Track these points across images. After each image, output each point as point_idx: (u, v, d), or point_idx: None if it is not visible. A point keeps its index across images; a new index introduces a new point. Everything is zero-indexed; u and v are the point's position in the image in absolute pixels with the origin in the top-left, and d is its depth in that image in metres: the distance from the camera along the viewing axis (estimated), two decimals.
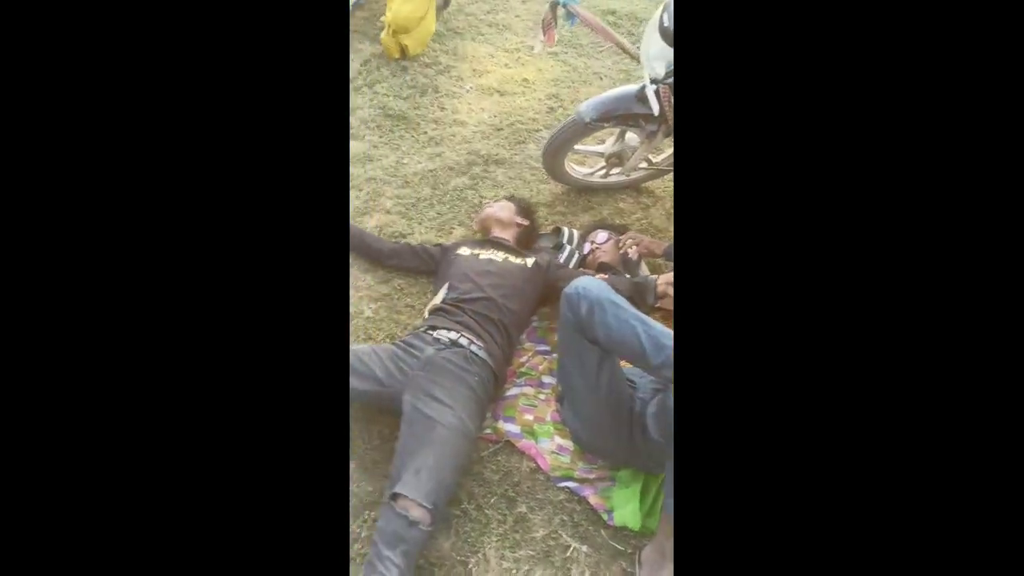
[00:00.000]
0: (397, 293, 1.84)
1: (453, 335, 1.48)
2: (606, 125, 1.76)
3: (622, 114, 1.72)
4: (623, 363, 1.41)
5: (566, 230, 1.95)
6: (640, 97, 1.67)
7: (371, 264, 1.90)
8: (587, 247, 1.86)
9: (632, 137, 1.91)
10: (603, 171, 2.09)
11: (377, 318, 1.76)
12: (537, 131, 2.49)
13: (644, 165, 2.05)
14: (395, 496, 1.15)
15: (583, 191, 2.22)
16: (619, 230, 1.92)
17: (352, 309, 1.77)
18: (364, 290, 1.83)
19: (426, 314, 1.66)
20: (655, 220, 2.14)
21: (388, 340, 1.69)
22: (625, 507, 1.37)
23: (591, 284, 1.25)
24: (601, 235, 1.86)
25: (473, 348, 1.46)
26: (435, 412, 1.30)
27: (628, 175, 2.08)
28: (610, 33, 1.79)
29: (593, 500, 1.40)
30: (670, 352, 1.15)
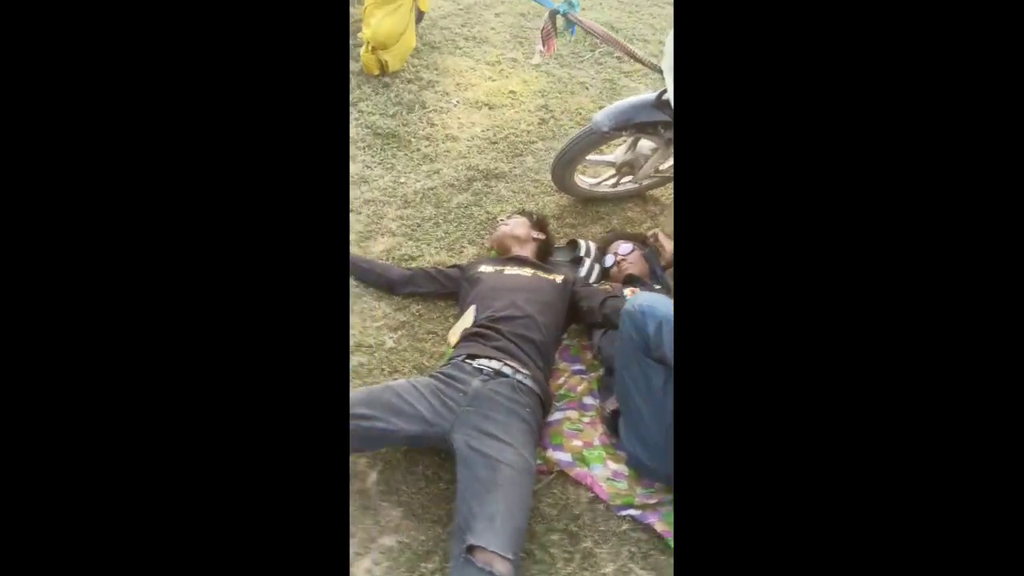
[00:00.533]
0: (416, 320, 1.73)
1: (496, 364, 1.38)
2: (623, 134, 1.72)
3: (640, 122, 1.68)
4: None
5: (583, 243, 1.89)
6: (659, 104, 1.64)
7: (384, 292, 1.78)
8: (610, 259, 1.81)
9: (645, 144, 1.87)
10: (613, 180, 2.05)
11: (400, 348, 1.65)
12: (532, 143, 2.43)
13: (652, 172, 2.02)
14: (471, 549, 1.05)
15: (589, 201, 2.16)
16: (638, 239, 1.87)
17: (372, 341, 1.65)
18: (381, 320, 1.71)
19: (451, 339, 1.56)
20: (665, 228, 2.11)
21: (416, 372, 1.59)
22: None
23: (656, 301, 1.19)
24: (624, 246, 1.80)
25: (519, 377, 1.37)
26: (494, 451, 1.20)
27: (640, 183, 2.04)
28: (615, 39, 1.75)
29: (659, 527, 1.32)
30: None
